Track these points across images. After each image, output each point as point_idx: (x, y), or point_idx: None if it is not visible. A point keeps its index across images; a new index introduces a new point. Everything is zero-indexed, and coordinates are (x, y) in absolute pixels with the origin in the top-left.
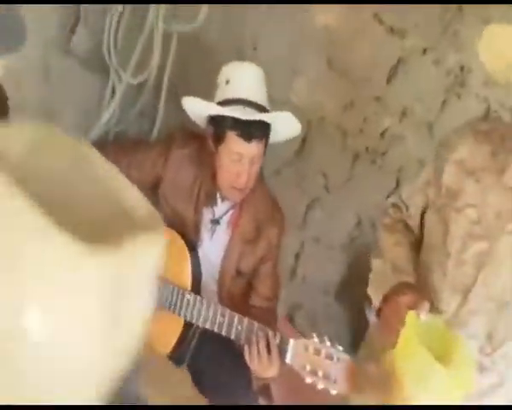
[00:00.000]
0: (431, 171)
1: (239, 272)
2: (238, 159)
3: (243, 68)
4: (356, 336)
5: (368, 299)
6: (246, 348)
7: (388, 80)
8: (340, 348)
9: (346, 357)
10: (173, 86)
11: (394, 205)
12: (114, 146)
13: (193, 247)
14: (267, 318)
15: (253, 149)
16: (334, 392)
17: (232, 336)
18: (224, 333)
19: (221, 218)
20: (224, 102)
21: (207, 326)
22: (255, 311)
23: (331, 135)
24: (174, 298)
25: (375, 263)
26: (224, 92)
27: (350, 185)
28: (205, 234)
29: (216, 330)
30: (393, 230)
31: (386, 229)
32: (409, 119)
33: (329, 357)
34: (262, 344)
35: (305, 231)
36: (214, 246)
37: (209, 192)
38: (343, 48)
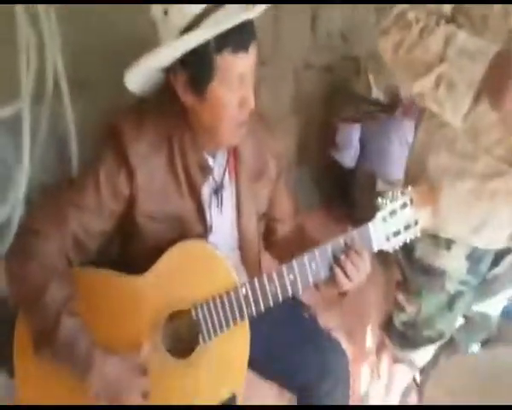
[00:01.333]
0: None
1: (259, 215)
2: (239, 81)
3: None
4: None
5: None
6: (337, 271)
7: None
8: (408, 189)
9: (411, 191)
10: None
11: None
12: (48, 205)
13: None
14: (307, 231)
15: (252, 55)
16: (418, 234)
17: (311, 280)
18: (300, 286)
19: (223, 179)
20: (189, 28)
21: (281, 298)
22: (294, 236)
23: None
24: (228, 309)
25: None
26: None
27: None
28: (212, 211)
29: (291, 291)
30: None
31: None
32: None
33: (404, 206)
34: (350, 254)
35: None
36: (224, 212)
37: (198, 160)
38: None
